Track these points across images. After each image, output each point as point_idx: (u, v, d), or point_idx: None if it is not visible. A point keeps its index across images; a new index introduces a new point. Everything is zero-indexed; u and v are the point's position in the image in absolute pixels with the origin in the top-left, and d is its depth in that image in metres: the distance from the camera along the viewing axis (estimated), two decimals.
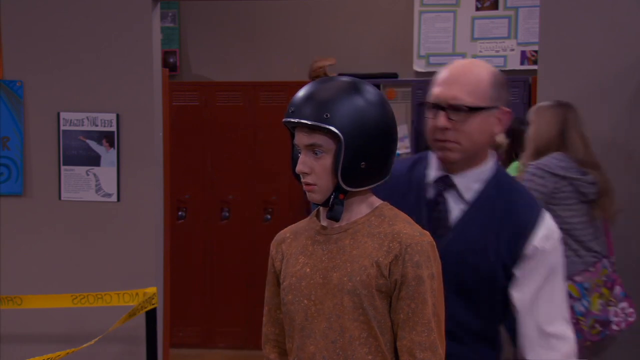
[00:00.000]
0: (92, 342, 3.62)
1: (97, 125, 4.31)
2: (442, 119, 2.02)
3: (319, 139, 1.82)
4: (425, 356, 1.83)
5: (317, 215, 1.98)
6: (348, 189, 1.85)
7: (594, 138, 3.74)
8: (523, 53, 5.87)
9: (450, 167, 2.09)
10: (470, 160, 2.07)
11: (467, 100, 2.00)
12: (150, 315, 3.99)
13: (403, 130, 5.71)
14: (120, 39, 4.28)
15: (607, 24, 3.74)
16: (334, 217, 1.88)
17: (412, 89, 5.69)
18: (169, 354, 4.81)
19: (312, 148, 1.84)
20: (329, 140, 1.82)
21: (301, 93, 1.86)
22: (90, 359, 4.08)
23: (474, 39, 5.95)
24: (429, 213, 2.08)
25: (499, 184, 2.09)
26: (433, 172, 2.13)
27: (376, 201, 1.93)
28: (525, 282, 2.03)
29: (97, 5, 4.29)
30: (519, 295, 2.03)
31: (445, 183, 2.10)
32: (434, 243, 1.88)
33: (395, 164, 1.97)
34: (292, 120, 1.83)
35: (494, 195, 2.07)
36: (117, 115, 4.29)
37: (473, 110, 2.00)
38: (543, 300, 2.03)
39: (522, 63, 5.88)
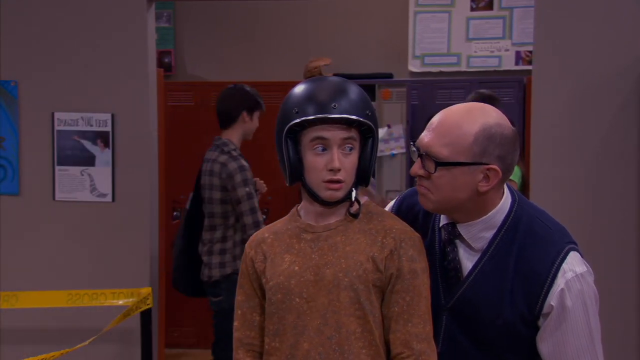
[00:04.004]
0: (87, 342, 3.62)
1: (91, 125, 4.30)
2: (415, 166, 1.94)
3: (354, 134, 1.88)
4: (422, 347, 1.86)
5: (298, 215, 1.99)
6: (364, 186, 1.95)
7: (589, 138, 3.75)
8: (518, 53, 5.89)
9: (452, 216, 1.97)
10: (470, 211, 1.93)
11: (441, 153, 1.87)
12: (145, 316, 3.99)
13: (398, 130, 5.71)
14: (115, 39, 4.27)
15: (602, 25, 3.75)
16: (357, 214, 1.92)
17: (407, 89, 5.69)
18: (164, 354, 4.81)
19: (346, 143, 1.87)
20: (358, 137, 1.90)
21: (327, 90, 1.87)
22: (85, 359, 4.08)
23: (468, 39, 5.96)
24: (441, 260, 2.00)
25: (513, 229, 1.93)
26: (443, 216, 2.02)
27: (361, 198, 1.97)
28: (547, 337, 1.89)
29: (91, 5, 4.29)
30: (544, 348, 1.90)
31: (452, 232, 1.98)
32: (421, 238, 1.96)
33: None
34: (336, 116, 1.84)
35: (507, 242, 1.92)
36: (112, 115, 4.28)
37: (443, 164, 1.88)
38: (569, 356, 1.89)
39: (516, 63, 5.89)
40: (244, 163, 4.04)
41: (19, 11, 4.32)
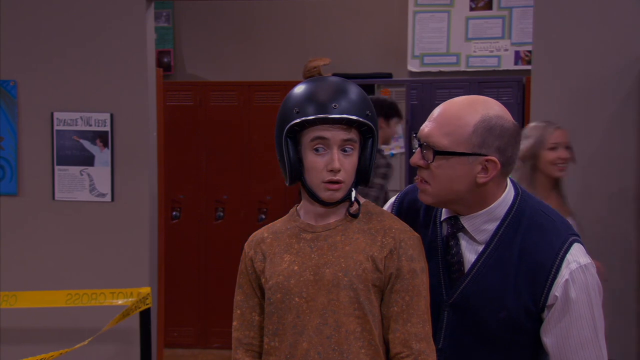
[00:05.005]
0: (86, 342, 3.62)
1: (91, 125, 4.30)
2: (415, 156, 1.95)
3: (354, 134, 1.88)
4: (421, 347, 1.86)
5: (297, 214, 1.99)
6: (363, 186, 1.96)
7: (587, 138, 3.75)
8: (517, 53, 5.89)
9: (454, 208, 1.97)
10: (470, 203, 1.93)
11: (440, 142, 1.88)
12: (145, 315, 3.99)
13: (398, 130, 5.72)
14: (114, 38, 4.27)
15: (601, 24, 3.75)
16: (357, 214, 1.92)
17: (407, 88, 5.69)
18: (163, 354, 4.81)
19: (346, 144, 1.87)
20: (358, 137, 1.90)
21: (327, 90, 1.87)
22: (84, 358, 4.08)
23: (468, 39, 5.96)
24: (444, 254, 1.99)
25: (517, 221, 1.93)
26: (444, 210, 2.02)
27: (360, 198, 1.97)
28: (551, 328, 1.89)
29: (91, 5, 4.29)
30: (548, 340, 1.90)
31: (455, 225, 1.98)
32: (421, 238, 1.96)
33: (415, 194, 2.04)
34: (336, 116, 1.84)
35: (511, 234, 1.92)
36: (111, 115, 4.28)
37: (441, 153, 1.89)
38: (572, 348, 1.89)
39: (516, 63, 5.89)
40: (390, 162, 4.57)
41: (18, 11, 4.32)
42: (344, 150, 1.88)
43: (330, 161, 1.86)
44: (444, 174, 1.90)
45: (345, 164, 1.88)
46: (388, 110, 4.60)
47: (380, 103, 4.57)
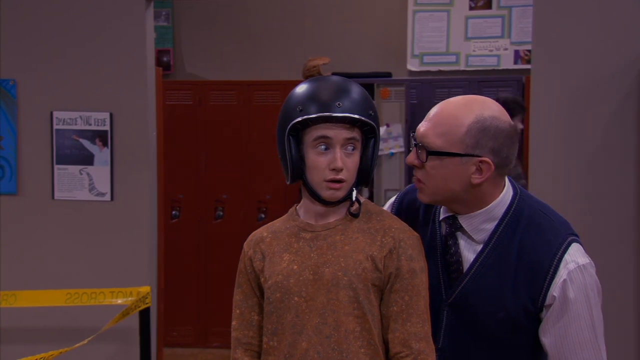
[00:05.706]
0: (85, 341, 3.62)
1: (90, 125, 4.30)
2: (411, 155, 1.95)
3: (357, 134, 1.89)
4: (421, 346, 1.86)
5: (297, 214, 1.99)
6: (364, 186, 1.96)
7: (587, 138, 3.75)
8: (516, 52, 5.89)
9: (453, 208, 1.97)
10: (467, 202, 1.93)
11: (434, 142, 1.88)
12: (144, 315, 3.99)
13: (397, 129, 5.72)
14: (113, 38, 4.27)
15: (601, 24, 3.74)
16: (358, 213, 1.92)
17: (406, 88, 5.70)
18: (162, 354, 4.81)
19: (349, 143, 1.88)
20: (360, 137, 1.90)
21: (331, 89, 1.88)
22: (83, 358, 4.07)
23: (467, 39, 5.96)
24: (443, 254, 1.99)
25: (515, 220, 1.93)
26: (443, 209, 2.01)
27: (360, 198, 1.97)
28: (549, 328, 1.89)
29: (90, 4, 4.28)
30: (547, 340, 1.90)
31: (453, 224, 1.98)
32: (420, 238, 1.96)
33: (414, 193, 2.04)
34: (340, 115, 1.84)
35: (509, 234, 1.92)
36: (111, 115, 4.28)
37: (435, 154, 1.89)
38: (571, 347, 1.88)
39: (515, 62, 5.89)
40: (521, 173, 4.59)
41: (18, 11, 4.32)
42: (347, 150, 1.88)
43: (333, 160, 1.86)
44: (438, 174, 1.91)
45: (348, 163, 1.88)
46: (514, 107, 4.52)
47: (503, 103, 4.51)
